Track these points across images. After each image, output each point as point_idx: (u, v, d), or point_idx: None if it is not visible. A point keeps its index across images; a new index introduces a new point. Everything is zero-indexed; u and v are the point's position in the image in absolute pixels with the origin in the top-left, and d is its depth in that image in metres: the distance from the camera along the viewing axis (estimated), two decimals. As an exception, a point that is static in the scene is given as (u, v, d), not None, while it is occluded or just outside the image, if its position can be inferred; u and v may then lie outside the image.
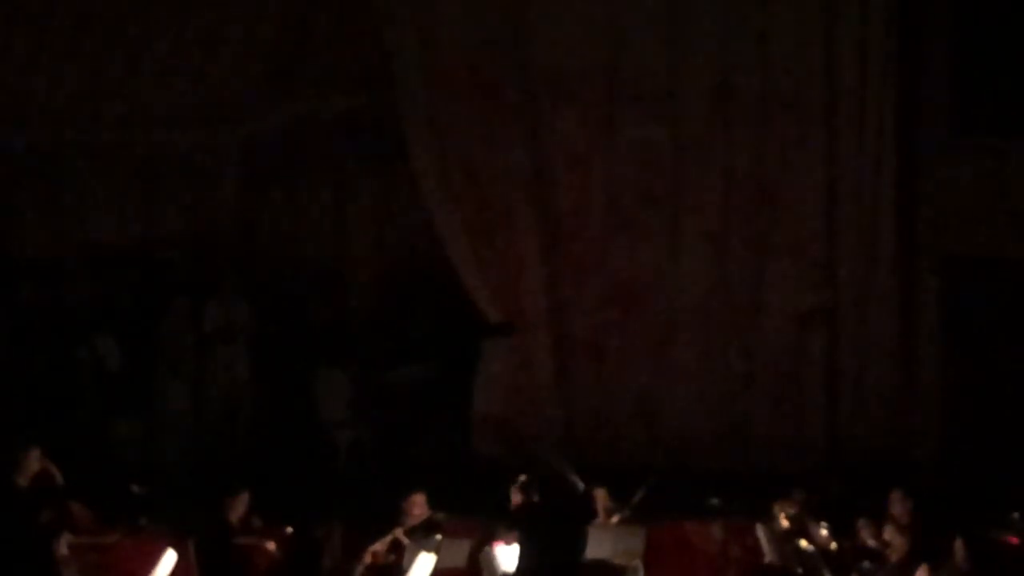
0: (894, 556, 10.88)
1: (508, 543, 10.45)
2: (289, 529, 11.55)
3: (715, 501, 12.94)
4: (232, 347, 14.59)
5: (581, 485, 10.27)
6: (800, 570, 11.10)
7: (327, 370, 14.70)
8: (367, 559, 11.18)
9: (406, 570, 10.67)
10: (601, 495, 11.73)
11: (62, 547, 10.79)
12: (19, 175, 14.99)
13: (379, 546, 11.22)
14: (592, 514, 11.00)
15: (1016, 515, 11.61)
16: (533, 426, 14.23)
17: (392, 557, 11.13)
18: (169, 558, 10.79)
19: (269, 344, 14.68)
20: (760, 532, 11.49)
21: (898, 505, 11.29)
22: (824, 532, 11.53)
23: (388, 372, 14.79)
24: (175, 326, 14.36)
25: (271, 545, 11.28)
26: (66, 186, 15.10)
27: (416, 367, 14.81)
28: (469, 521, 11.60)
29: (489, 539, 10.91)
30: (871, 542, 11.21)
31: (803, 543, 11.35)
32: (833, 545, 11.42)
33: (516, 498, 10.86)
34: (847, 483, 13.19)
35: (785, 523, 11.69)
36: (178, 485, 13.15)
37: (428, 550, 10.69)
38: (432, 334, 14.98)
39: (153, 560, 10.80)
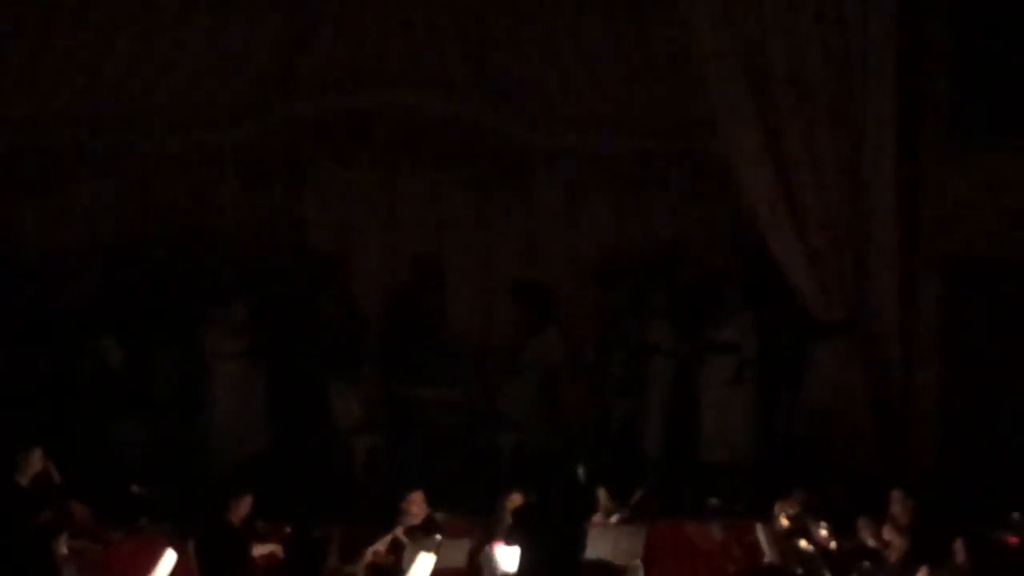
0: (894, 556, 10.89)
1: (508, 544, 10.46)
2: (289, 529, 11.55)
3: (715, 501, 12.96)
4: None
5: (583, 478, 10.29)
6: (800, 570, 11.12)
7: (341, 377, 14.66)
8: (367, 559, 11.19)
9: (406, 570, 10.68)
10: (601, 495, 11.74)
11: (62, 547, 10.79)
12: (19, 175, 14.97)
13: (379, 546, 11.23)
14: (592, 509, 11.01)
15: (1016, 515, 11.61)
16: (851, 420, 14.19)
17: (392, 557, 11.14)
18: (169, 558, 10.80)
19: (281, 348, 14.66)
20: (760, 532, 11.51)
21: (898, 505, 11.29)
22: (824, 532, 11.53)
23: (410, 386, 14.77)
24: (218, 332, 14.35)
25: (272, 547, 11.29)
26: (66, 186, 15.08)
27: (442, 389, 14.82)
28: (469, 521, 11.62)
29: (489, 539, 10.93)
30: (871, 542, 11.22)
31: (803, 543, 11.36)
32: (833, 545, 11.43)
33: (511, 503, 10.90)
34: (847, 483, 13.19)
35: (785, 523, 11.70)
36: (210, 486, 13.20)
37: (428, 550, 10.70)
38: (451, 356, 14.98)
39: (153, 560, 10.81)
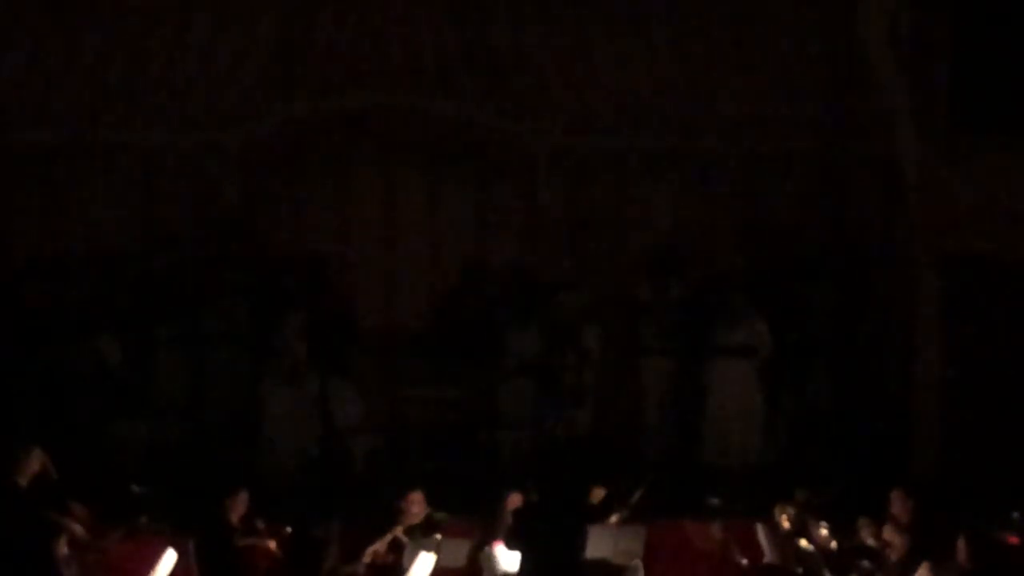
0: (894, 556, 10.89)
1: (507, 545, 10.44)
2: (289, 529, 11.54)
3: (715, 501, 12.95)
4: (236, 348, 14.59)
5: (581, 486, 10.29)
6: (800, 570, 11.11)
7: (341, 377, 14.65)
8: (367, 559, 11.19)
9: (406, 570, 10.68)
10: (601, 495, 11.74)
11: (62, 547, 10.79)
12: (19, 175, 14.97)
13: (379, 546, 11.23)
14: (592, 513, 11.00)
15: (1016, 515, 11.61)
16: None
17: (392, 557, 11.14)
18: (169, 558, 10.79)
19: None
20: (760, 532, 11.50)
21: (898, 505, 11.29)
22: (824, 532, 11.53)
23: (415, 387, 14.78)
24: (290, 337, 14.36)
25: (272, 545, 11.29)
26: (66, 186, 15.07)
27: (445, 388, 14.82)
28: (469, 521, 11.62)
29: (489, 539, 10.93)
30: (871, 542, 11.21)
31: (803, 543, 11.35)
32: (833, 545, 11.43)
33: (511, 503, 10.90)
34: (847, 483, 13.20)
35: (785, 523, 11.69)
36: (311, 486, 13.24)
37: (428, 550, 10.69)
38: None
39: (153, 560, 10.80)
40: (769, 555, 11.35)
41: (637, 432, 14.82)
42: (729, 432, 14.33)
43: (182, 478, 13.37)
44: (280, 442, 14.10)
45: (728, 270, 14.94)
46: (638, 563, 10.91)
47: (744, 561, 11.50)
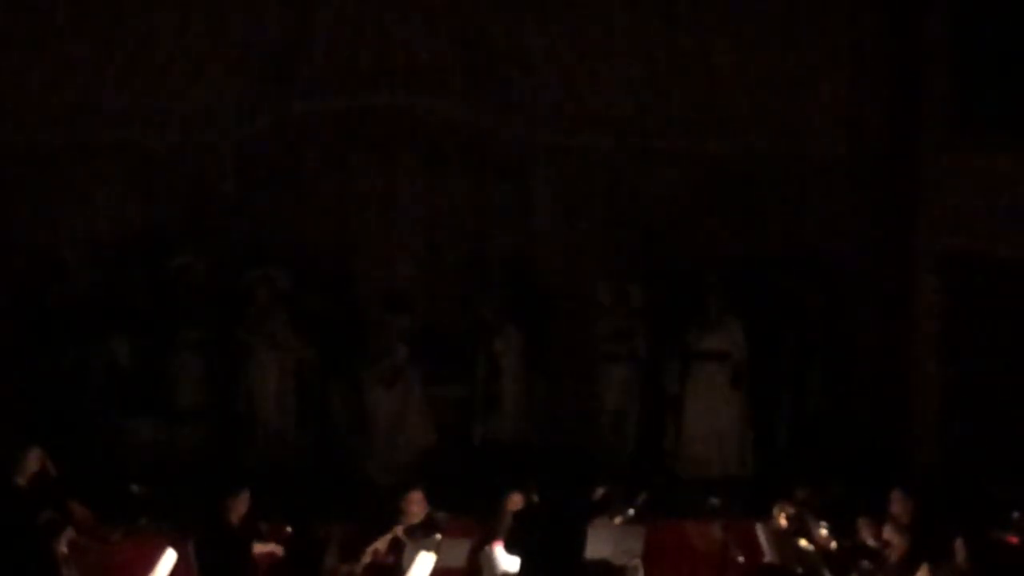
0: (894, 556, 10.89)
1: (508, 546, 10.45)
2: (289, 529, 11.55)
3: (715, 501, 12.96)
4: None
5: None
6: (800, 570, 11.12)
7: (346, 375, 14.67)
8: (367, 559, 11.20)
9: (406, 570, 10.69)
10: (601, 495, 11.74)
11: (62, 547, 10.80)
12: (19, 175, 14.97)
13: (379, 545, 11.24)
14: (591, 513, 11.01)
15: (1016, 515, 11.61)
16: None
17: (392, 557, 11.15)
18: (169, 558, 10.81)
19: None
20: (760, 532, 11.52)
21: (898, 505, 11.29)
22: (824, 532, 11.54)
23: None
24: (388, 341, 14.40)
25: (273, 547, 11.30)
26: (66, 186, 15.07)
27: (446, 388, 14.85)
28: (469, 521, 11.63)
29: (489, 539, 10.94)
30: (871, 542, 11.22)
31: (803, 543, 11.36)
32: (833, 545, 11.44)
33: (511, 504, 10.91)
34: (847, 483, 13.20)
35: (785, 523, 11.70)
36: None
37: (428, 549, 10.70)
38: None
39: (153, 560, 10.82)
40: (769, 555, 11.36)
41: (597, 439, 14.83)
42: (703, 440, 14.33)
43: (192, 479, 13.39)
44: (383, 444, 14.20)
45: (702, 272, 14.90)
46: (638, 563, 10.93)
47: (743, 560, 11.52)
